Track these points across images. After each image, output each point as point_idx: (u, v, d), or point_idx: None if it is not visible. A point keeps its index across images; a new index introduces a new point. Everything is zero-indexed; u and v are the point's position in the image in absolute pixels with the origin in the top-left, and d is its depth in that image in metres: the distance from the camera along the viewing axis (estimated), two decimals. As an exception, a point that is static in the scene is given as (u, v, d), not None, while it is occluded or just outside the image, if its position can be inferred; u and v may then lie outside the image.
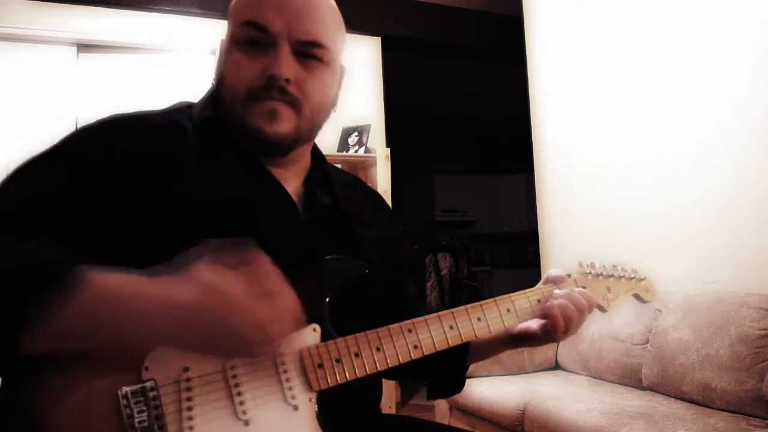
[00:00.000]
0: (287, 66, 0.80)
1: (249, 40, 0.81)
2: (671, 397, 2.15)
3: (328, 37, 0.84)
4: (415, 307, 1.01)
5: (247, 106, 0.81)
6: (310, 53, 0.83)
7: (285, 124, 0.82)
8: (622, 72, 2.90)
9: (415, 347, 0.81)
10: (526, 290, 0.94)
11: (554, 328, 0.89)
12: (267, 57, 0.81)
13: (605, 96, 3.01)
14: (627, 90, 2.87)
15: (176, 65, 3.57)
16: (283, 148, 0.84)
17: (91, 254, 0.69)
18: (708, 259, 2.42)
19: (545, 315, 0.90)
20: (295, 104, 0.82)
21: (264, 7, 0.81)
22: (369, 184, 3.43)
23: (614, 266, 1.04)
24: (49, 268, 0.63)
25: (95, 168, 0.74)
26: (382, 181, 3.34)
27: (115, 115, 0.81)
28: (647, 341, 2.32)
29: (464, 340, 0.85)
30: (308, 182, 0.91)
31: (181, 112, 0.86)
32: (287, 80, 0.80)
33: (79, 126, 0.81)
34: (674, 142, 2.60)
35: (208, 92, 0.91)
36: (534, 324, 0.92)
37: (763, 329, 1.91)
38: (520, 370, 2.79)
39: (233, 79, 0.82)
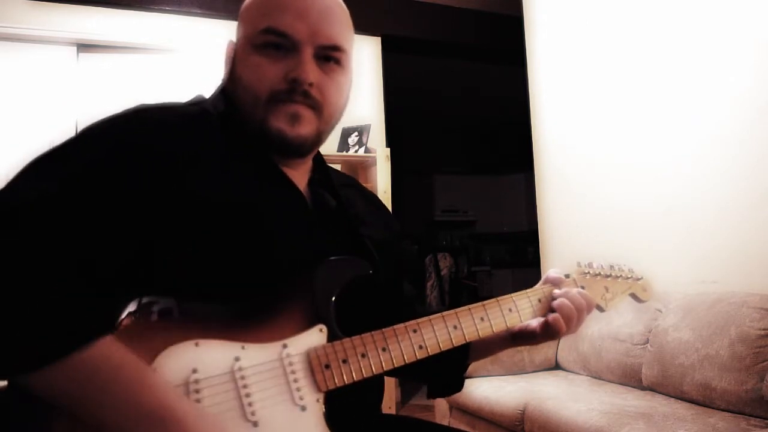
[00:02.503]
0: (311, 70, 0.81)
1: (270, 44, 0.82)
2: (671, 397, 2.15)
3: (345, 40, 0.86)
4: (413, 307, 1.02)
5: (269, 108, 0.82)
6: (330, 56, 0.84)
7: (307, 126, 0.83)
8: (622, 72, 2.90)
9: (420, 347, 0.82)
10: (527, 290, 0.96)
11: (554, 327, 0.92)
12: (289, 61, 0.81)
13: (605, 96, 3.01)
14: (627, 90, 2.87)
15: (176, 65, 3.57)
16: (304, 149, 0.86)
17: (107, 248, 0.68)
18: (708, 259, 2.42)
19: (545, 314, 0.93)
20: (316, 107, 0.83)
21: (285, 13, 0.81)
22: (369, 184, 3.40)
23: (611, 266, 1.06)
24: (73, 337, 0.61)
25: (121, 162, 0.72)
26: (382, 181, 3.33)
27: (141, 105, 0.80)
28: (647, 341, 2.32)
29: (468, 340, 0.87)
30: (312, 183, 0.92)
31: (200, 105, 0.86)
32: (310, 84, 0.81)
33: (80, 126, 0.80)
34: (674, 142, 2.60)
35: (218, 89, 0.91)
36: (534, 322, 0.94)
37: (763, 329, 1.91)
38: (520, 370, 2.79)
39: (253, 82, 0.82)
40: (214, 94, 0.91)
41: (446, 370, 1.02)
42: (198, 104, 0.86)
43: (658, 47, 2.69)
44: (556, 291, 0.96)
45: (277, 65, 0.81)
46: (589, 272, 1.03)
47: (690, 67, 2.53)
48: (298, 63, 0.81)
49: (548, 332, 0.93)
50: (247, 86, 0.83)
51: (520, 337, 0.96)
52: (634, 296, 1.07)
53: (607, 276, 1.04)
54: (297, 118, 0.82)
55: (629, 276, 1.06)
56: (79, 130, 0.77)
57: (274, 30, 0.81)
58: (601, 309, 1.02)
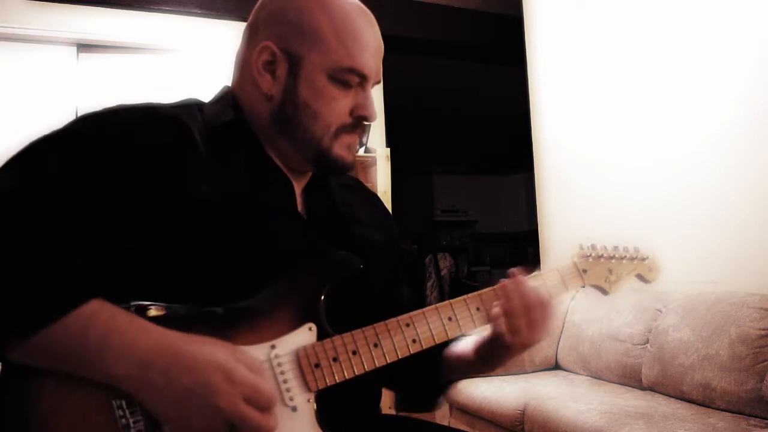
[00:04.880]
0: (375, 109, 0.86)
1: (348, 81, 0.84)
2: (671, 397, 2.14)
3: None
4: (410, 307, 1.01)
5: (335, 138, 0.85)
6: None
7: (356, 151, 0.89)
8: (623, 71, 2.89)
9: (414, 341, 0.81)
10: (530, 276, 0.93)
11: (501, 336, 0.84)
12: (356, 95, 0.85)
13: (605, 95, 3.00)
14: (627, 89, 2.86)
15: (176, 65, 3.57)
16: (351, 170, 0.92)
17: (91, 249, 0.68)
18: (708, 259, 2.42)
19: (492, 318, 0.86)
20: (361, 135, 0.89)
21: (366, 54, 0.84)
22: (369, 184, 3.40)
23: (615, 247, 1.01)
24: (58, 300, 0.63)
25: (96, 160, 0.72)
26: (382, 181, 3.34)
27: (120, 105, 0.80)
28: (647, 341, 2.32)
29: (463, 332, 0.85)
30: (310, 182, 0.93)
31: (190, 108, 0.86)
32: None
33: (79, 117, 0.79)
34: (674, 142, 2.60)
35: (222, 94, 0.90)
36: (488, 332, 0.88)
37: (763, 329, 1.91)
38: (520, 370, 2.78)
39: (327, 114, 0.84)
40: (217, 97, 0.90)
41: (417, 385, 1.00)
42: (178, 107, 0.85)
43: (658, 46, 2.68)
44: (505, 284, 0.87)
45: (346, 99, 0.84)
46: (591, 254, 0.98)
47: (690, 66, 2.52)
48: (366, 102, 0.85)
49: (497, 339, 0.85)
50: (318, 115, 0.83)
51: (486, 358, 0.90)
52: (640, 277, 1.02)
53: (611, 258, 0.99)
54: (353, 147, 0.88)
55: (634, 256, 1.02)
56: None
57: (360, 72, 0.83)
58: (604, 292, 0.98)
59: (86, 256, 0.67)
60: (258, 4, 0.89)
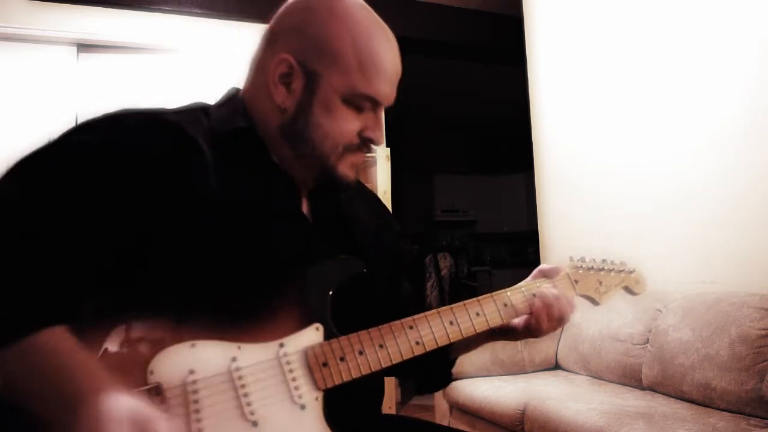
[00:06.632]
0: (383, 133, 0.87)
1: (361, 106, 0.84)
2: (671, 397, 2.15)
3: None
4: (410, 305, 1.03)
5: (341, 156, 0.85)
6: None
7: (358, 170, 0.90)
8: (623, 70, 2.90)
9: (417, 343, 0.83)
10: (521, 284, 0.97)
11: (537, 327, 0.93)
12: (366, 118, 0.85)
13: (605, 95, 3.01)
14: (627, 89, 2.87)
15: (176, 65, 3.57)
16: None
17: (90, 256, 0.68)
18: (708, 259, 2.42)
19: (533, 311, 0.94)
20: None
21: (384, 81, 0.85)
22: (369, 184, 3.42)
23: (604, 260, 1.07)
24: (13, 327, 0.61)
25: (99, 167, 0.72)
26: (382, 181, 3.34)
27: (124, 110, 0.80)
28: (647, 341, 2.32)
29: (464, 335, 0.88)
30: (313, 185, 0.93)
31: (194, 113, 0.85)
32: None
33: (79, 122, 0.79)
34: (675, 141, 2.60)
35: (230, 97, 0.90)
36: (516, 320, 0.95)
37: (763, 329, 1.91)
38: (520, 370, 2.79)
39: (337, 133, 0.84)
40: (222, 101, 0.90)
41: (430, 366, 1.02)
42: (181, 113, 0.84)
43: (658, 46, 2.69)
44: (549, 288, 0.96)
45: (357, 120, 0.85)
46: (582, 266, 1.04)
47: (690, 66, 2.52)
48: (376, 125, 0.86)
49: (530, 331, 0.94)
50: (328, 133, 0.83)
51: (500, 333, 0.97)
52: (627, 289, 1.08)
53: (600, 270, 1.05)
54: (357, 165, 0.88)
55: (622, 269, 1.08)
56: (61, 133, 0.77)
57: (374, 99, 0.84)
58: (595, 302, 1.03)
59: (85, 263, 0.67)
60: (281, 10, 0.87)
